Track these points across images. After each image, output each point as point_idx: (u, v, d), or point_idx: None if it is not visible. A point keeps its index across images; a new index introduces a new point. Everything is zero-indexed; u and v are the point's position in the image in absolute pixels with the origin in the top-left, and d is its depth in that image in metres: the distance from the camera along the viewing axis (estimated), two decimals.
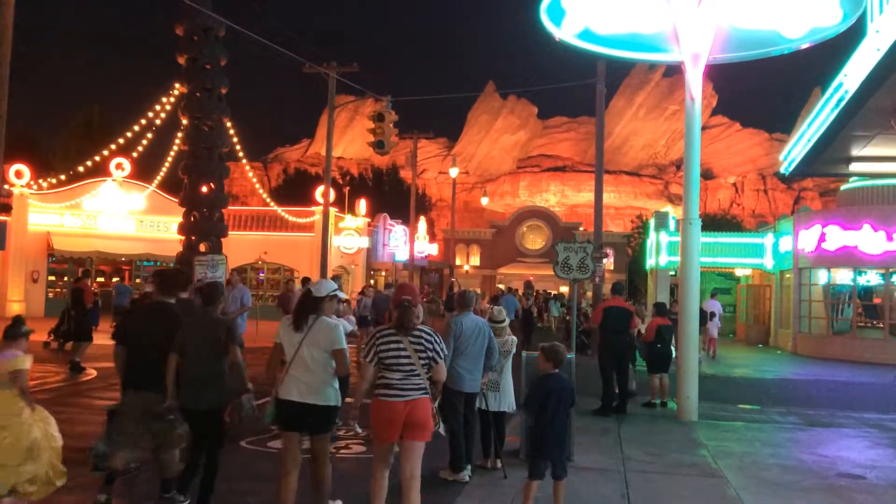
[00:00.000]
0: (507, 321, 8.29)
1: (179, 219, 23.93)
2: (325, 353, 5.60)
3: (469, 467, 7.47)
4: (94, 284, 27.01)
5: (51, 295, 29.16)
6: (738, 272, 31.69)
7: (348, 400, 6.68)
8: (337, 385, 5.74)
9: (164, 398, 5.83)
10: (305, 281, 17.38)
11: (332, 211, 30.18)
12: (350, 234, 35.28)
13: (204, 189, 23.13)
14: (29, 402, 6.01)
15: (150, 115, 26.98)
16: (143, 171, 32.81)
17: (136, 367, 6.06)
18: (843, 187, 26.67)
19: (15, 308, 27.60)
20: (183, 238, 23.48)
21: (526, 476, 6.18)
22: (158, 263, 30.62)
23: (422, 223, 44.75)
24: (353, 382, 7.20)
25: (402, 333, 5.54)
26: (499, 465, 7.71)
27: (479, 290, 44.38)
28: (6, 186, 26.70)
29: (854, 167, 16.30)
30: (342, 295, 6.47)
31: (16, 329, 6.20)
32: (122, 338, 6.25)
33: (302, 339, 5.59)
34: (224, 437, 6.09)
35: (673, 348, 12.51)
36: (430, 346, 5.56)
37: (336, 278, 12.54)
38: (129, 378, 6.12)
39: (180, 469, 6.16)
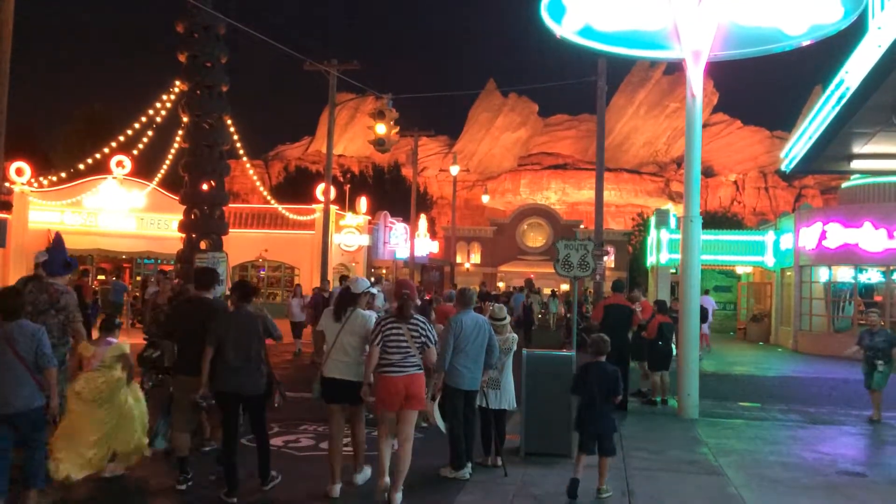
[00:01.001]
0: (508, 318, 8.29)
1: (180, 216, 23.90)
2: (360, 339, 6.66)
3: (469, 465, 7.47)
4: (95, 282, 27.03)
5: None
6: (739, 270, 31.67)
7: None
8: None
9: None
10: (343, 278, 17.96)
11: (333, 209, 30.14)
12: (351, 231, 35.25)
13: (204, 187, 23.11)
14: (128, 382, 7.03)
15: (151, 112, 26.95)
16: (143, 169, 32.80)
17: (185, 355, 6.75)
18: (844, 185, 26.63)
19: None
20: (184, 236, 23.45)
21: (528, 472, 6.25)
22: (159, 261, 30.66)
23: (422, 221, 44.69)
24: None
25: (402, 321, 6.55)
26: (499, 462, 7.70)
27: (475, 288, 44.32)
28: (7, 184, 26.69)
29: (855, 164, 16.22)
30: (374, 290, 7.41)
31: (111, 322, 7.32)
32: (171, 334, 7.05)
33: (341, 327, 6.72)
34: (266, 420, 6.82)
35: (673, 346, 12.52)
36: (424, 333, 6.61)
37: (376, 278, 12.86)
38: (179, 366, 6.88)
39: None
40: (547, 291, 39.23)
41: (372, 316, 6.92)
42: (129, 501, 6.86)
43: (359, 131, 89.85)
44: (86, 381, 6.83)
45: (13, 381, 5.68)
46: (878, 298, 23.00)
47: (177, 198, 25.18)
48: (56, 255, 8.06)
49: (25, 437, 5.81)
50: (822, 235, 22.89)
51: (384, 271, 39.56)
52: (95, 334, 8.07)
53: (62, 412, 6.53)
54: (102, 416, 6.82)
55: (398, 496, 6.38)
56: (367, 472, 7.02)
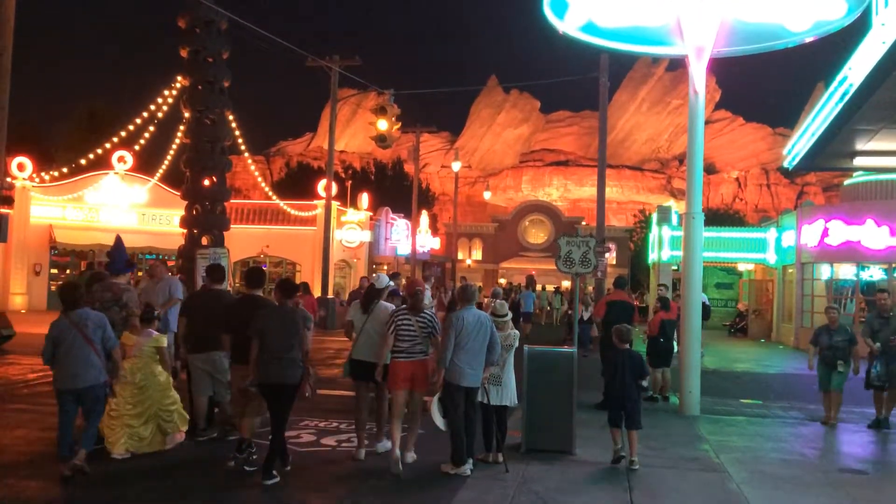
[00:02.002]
0: (510, 315, 8.27)
1: (182, 212, 23.90)
2: (383, 327, 7.60)
3: (470, 461, 7.46)
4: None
5: (53, 288, 29.16)
6: (741, 267, 31.65)
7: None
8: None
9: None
10: (395, 276, 19.04)
11: (335, 204, 30.14)
12: (352, 227, 35.26)
13: (206, 182, 23.07)
14: (168, 369, 7.93)
15: (153, 107, 26.93)
16: (145, 164, 32.80)
17: (239, 347, 7.30)
18: (847, 182, 26.60)
19: (17, 301, 27.66)
20: (185, 231, 23.44)
21: (530, 468, 6.62)
22: (161, 257, 30.67)
23: (424, 217, 44.68)
24: None
25: (413, 314, 7.47)
26: (500, 458, 7.69)
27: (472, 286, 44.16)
28: (8, 179, 26.70)
29: (858, 161, 16.21)
30: (393, 285, 8.52)
31: (149, 314, 8.09)
32: (229, 327, 7.54)
33: (367, 317, 7.83)
34: (289, 412, 7.28)
35: (675, 342, 12.50)
36: (431, 324, 7.53)
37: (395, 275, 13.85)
38: (235, 356, 7.52)
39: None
40: (551, 288, 39.23)
41: (393, 307, 7.91)
42: (179, 475, 7.25)
43: (360, 127, 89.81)
44: (129, 368, 7.63)
45: (83, 360, 6.76)
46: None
47: (178, 193, 25.18)
48: (118, 256, 8.94)
49: (87, 409, 6.93)
50: (825, 233, 22.86)
51: (385, 267, 39.58)
52: None
53: (112, 394, 7.44)
54: (143, 398, 7.65)
55: (410, 455, 7.58)
56: (387, 444, 7.82)
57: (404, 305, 7.95)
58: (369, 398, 8.06)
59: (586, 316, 14.47)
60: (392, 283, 8.38)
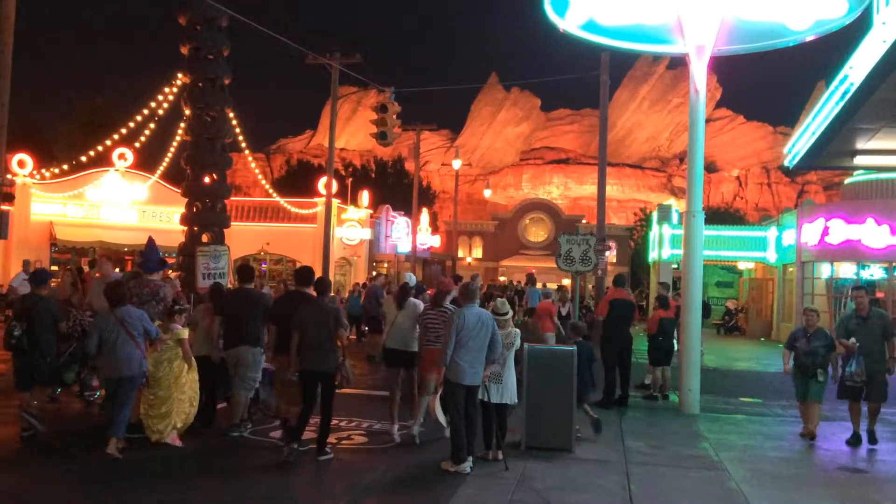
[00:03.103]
0: (511, 313, 8.29)
1: (182, 209, 23.85)
2: (412, 320, 8.85)
3: (470, 459, 7.47)
4: (97, 274, 27.04)
5: (53, 285, 29.12)
6: (741, 265, 31.65)
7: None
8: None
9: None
10: (379, 276, 19.23)
11: (335, 202, 30.13)
12: (352, 225, 35.25)
13: (206, 180, 23.01)
14: (188, 362, 8.22)
15: (153, 105, 26.90)
16: (145, 162, 32.77)
17: (283, 338, 7.86)
18: (847, 181, 26.60)
19: None
20: (185, 228, 23.42)
21: (529, 466, 6.73)
22: (164, 254, 30.67)
23: (424, 215, 44.59)
24: None
25: (435, 308, 8.63)
26: (500, 456, 7.71)
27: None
28: (9, 176, 26.65)
29: (859, 160, 16.19)
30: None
31: (174, 307, 8.56)
32: (275, 319, 8.18)
33: (398, 311, 8.93)
34: (334, 396, 7.90)
35: (675, 341, 12.50)
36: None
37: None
38: (279, 346, 8.06)
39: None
40: (553, 286, 39.21)
41: (420, 304, 9.03)
42: (227, 454, 7.77)
43: (361, 125, 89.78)
44: (152, 360, 8.06)
45: (126, 353, 7.47)
46: (880, 295, 22.98)
47: (179, 191, 25.15)
48: (151, 255, 9.50)
49: (122, 396, 7.50)
50: (825, 231, 22.86)
51: (385, 265, 39.58)
52: None
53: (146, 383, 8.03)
54: (158, 389, 8.01)
55: (416, 428, 8.54)
56: (395, 434, 8.66)
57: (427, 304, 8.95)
58: (400, 381, 8.92)
59: (564, 311, 14.51)
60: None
